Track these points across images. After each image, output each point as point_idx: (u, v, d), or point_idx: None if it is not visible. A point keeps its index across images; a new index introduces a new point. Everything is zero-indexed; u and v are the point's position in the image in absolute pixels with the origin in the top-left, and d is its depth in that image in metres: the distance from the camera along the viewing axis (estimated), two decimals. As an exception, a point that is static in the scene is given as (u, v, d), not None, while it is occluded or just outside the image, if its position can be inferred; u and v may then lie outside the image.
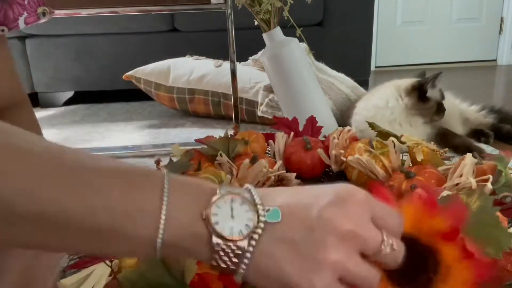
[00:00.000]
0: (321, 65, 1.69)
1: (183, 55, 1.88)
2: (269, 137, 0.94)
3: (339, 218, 0.31)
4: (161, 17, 2.09)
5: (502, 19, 3.19)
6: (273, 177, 0.75)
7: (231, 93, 1.34)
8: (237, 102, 1.32)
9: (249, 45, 1.70)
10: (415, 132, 1.19)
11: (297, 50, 1.25)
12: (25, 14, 0.62)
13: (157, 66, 1.81)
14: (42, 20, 0.66)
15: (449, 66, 3.19)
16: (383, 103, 1.24)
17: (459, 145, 1.13)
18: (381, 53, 3.24)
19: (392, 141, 0.80)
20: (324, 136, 0.97)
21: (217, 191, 0.32)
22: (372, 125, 0.91)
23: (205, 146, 0.86)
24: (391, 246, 0.32)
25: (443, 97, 1.23)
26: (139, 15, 2.02)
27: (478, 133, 1.29)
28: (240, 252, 0.30)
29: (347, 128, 0.90)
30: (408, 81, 1.25)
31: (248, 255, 0.30)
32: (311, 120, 1.00)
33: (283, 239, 0.31)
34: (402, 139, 0.83)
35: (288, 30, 1.27)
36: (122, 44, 2.12)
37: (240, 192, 0.33)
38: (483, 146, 1.18)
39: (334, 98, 1.56)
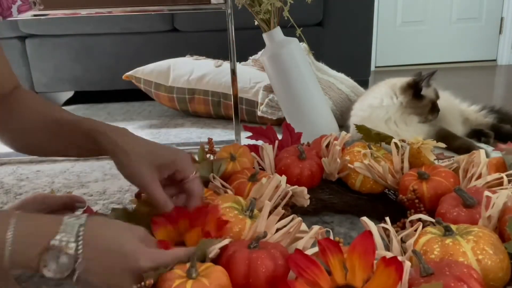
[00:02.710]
0: (321, 65, 1.69)
1: (183, 55, 1.88)
2: (252, 149, 0.86)
3: (125, 281, 0.46)
4: (161, 17, 2.09)
5: (502, 19, 3.19)
6: (291, 192, 0.69)
7: (231, 93, 1.34)
8: (237, 102, 1.32)
9: (249, 45, 1.70)
10: (412, 131, 1.19)
11: (297, 50, 1.25)
12: (19, 2, 0.63)
13: (157, 66, 1.81)
14: (33, 10, 0.67)
15: (449, 66, 3.19)
16: (377, 102, 1.24)
17: (460, 147, 1.13)
18: (381, 53, 3.24)
19: (395, 143, 0.80)
20: (308, 143, 0.93)
21: (51, 242, 0.44)
22: (359, 128, 0.89)
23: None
24: None
25: (437, 97, 1.23)
26: (139, 15, 2.02)
27: (478, 133, 1.29)
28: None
29: (343, 133, 0.86)
30: (403, 79, 1.25)
31: (73, 279, 0.45)
32: (287, 127, 0.93)
33: (89, 281, 0.46)
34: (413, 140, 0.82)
35: (288, 30, 1.27)
36: (122, 44, 2.12)
37: (68, 241, 0.45)
38: (483, 146, 1.18)
39: (334, 98, 1.56)
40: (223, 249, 0.51)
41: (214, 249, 0.50)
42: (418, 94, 1.20)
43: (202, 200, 0.61)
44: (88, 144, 0.63)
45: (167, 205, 0.58)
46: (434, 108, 1.21)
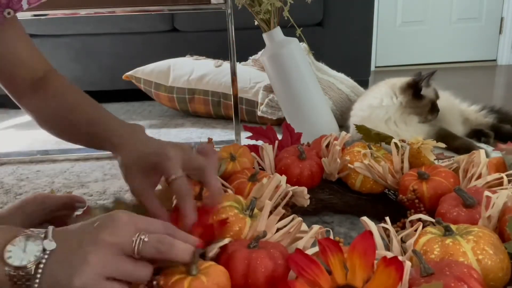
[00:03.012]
0: (321, 65, 1.69)
1: (183, 55, 1.88)
2: (251, 149, 0.86)
3: (102, 234, 0.41)
4: (161, 17, 2.09)
5: (502, 19, 3.19)
6: (291, 192, 0.69)
7: (231, 93, 1.34)
8: (237, 102, 1.32)
9: (249, 45, 1.70)
10: (411, 131, 1.19)
11: (297, 50, 1.25)
12: None
13: (157, 66, 1.81)
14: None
15: (449, 66, 3.19)
16: (377, 102, 1.24)
17: (460, 147, 1.13)
18: (381, 53, 3.24)
19: (395, 143, 0.80)
20: (308, 143, 0.93)
21: (18, 235, 0.41)
22: (359, 128, 0.89)
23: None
24: (141, 239, 0.42)
25: (437, 97, 1.23)
26: (139, 15, 2.02)
27: (478, 133, 1.29)
28: (30, 276, 0.39)
29: (343, 133, 0.86)
30: (402, 79, 1.25)
31: (37, 277, 0.39)
32: (287, 127, 0.93)
33: (60, 261, 0.40)
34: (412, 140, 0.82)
35: (288, 30, 1.27)
36: (122, 44, 2.12)
37: (36, 231, 0.42)
38: (483, 146, 1.19)
39: (334, 98, 1.56)
40: (223, 248, 0.51)
41: (213, 248, 0.50)
42: (417, 94, 1.21)
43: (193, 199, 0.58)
44: (94, 144, 0.66)
45: (158, 214, 0.57)
46: (433, 108, 1.21)
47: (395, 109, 1.22)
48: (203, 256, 0.49)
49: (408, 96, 1.21)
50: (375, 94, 1.28)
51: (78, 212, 0.80)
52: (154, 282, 0.44)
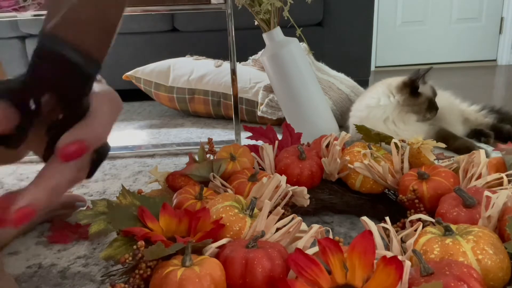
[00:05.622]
0: (321, 65, 1.69)
1: (183, 55, 1.88)
2: (251, 149, 0.86)
3: None
4: (161, 17, 2.09)
5: (502, 19, 3.20)
6: (291, 192, 0.69)
7: (231, 93, 1.34)
8: (237, 102, 1.32)
9: (249, 45, 1.70)
10: (411, 130, 1.19)
11: (297, 50, 1.25)
12: None
13: (157, 66, 1.81)
14: (23, 5, 0.60)
15: (449, 66, 3.19)
16: (374, 102, 1.24)
17: (460, 147, 1.13)
18: (381, 53, 3.24)
19: (395, 143, 0.80)
20: (308, 143, 0.93)
21: None
22: (359, 128, 0.89)
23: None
24: None
25: (434, 94, 1.23)
26: (139, 15, 2.02)
27: (478, 133, 1.29)
28: None
29: (343, 133, 0.85)
30: (399, 79, 1.25)
31: None
32: (287, 127, 0.93)
33: None
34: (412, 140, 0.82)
35: (288, 30, 1.27)
36: (122, 44, 2.12)
37: None
38: (483, 146, 1.19)
39: (334, 98, 1.56)
40: (221, 248, 0.51)
41: (211, 248, 0.50)
42: (414, 92, 1.21)
43: None
44: None
45: None
46: (431, 106, 1.21)
47: (392, 108, 1.22)
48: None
49: (405, 94, 1.21)
50: (372, 94, 1.28)
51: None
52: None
